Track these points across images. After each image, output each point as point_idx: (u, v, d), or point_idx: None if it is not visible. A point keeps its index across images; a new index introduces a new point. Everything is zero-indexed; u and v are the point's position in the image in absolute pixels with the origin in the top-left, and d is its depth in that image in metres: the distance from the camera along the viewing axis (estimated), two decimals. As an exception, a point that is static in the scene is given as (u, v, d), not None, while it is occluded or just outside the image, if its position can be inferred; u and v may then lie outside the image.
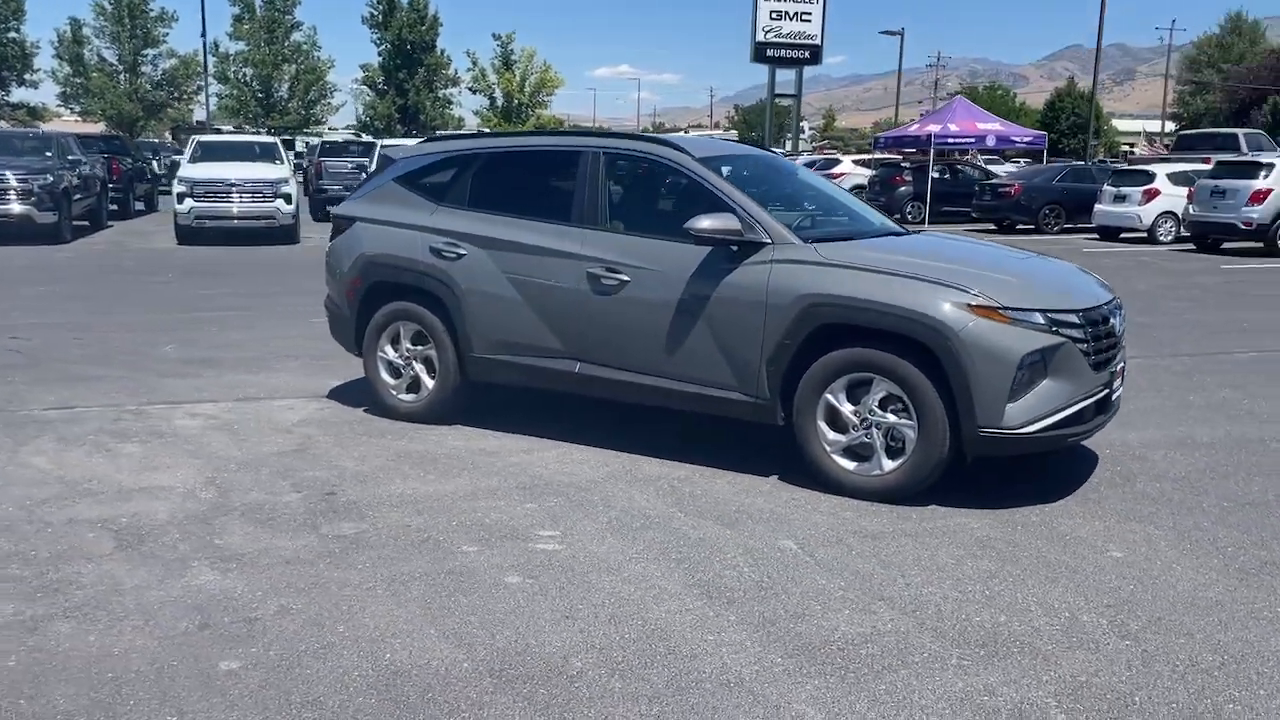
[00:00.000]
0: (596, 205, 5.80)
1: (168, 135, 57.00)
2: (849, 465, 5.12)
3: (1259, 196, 18.25)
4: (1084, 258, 17.05)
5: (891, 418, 4.97)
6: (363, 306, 6.56)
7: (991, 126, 27.82)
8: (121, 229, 21.88)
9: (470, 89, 56.59)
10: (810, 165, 24.71)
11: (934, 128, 27.39)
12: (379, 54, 55.40)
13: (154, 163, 30.36)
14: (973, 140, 27.62)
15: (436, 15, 55.00)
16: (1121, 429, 6.12)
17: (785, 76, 33.90)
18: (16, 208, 17.13)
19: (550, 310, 5.85)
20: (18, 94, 56.50)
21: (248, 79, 55.34)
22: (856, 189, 25.63)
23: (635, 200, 6.18)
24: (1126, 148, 74.97)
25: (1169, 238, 21.17)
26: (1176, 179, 21.24)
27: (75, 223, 19.10)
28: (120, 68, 55.66)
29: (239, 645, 3.54)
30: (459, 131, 48.05)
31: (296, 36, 56.15)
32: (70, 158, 19.49)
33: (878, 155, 34.16)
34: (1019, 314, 4.81)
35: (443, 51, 55.93)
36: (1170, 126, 69.88)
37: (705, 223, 5.26)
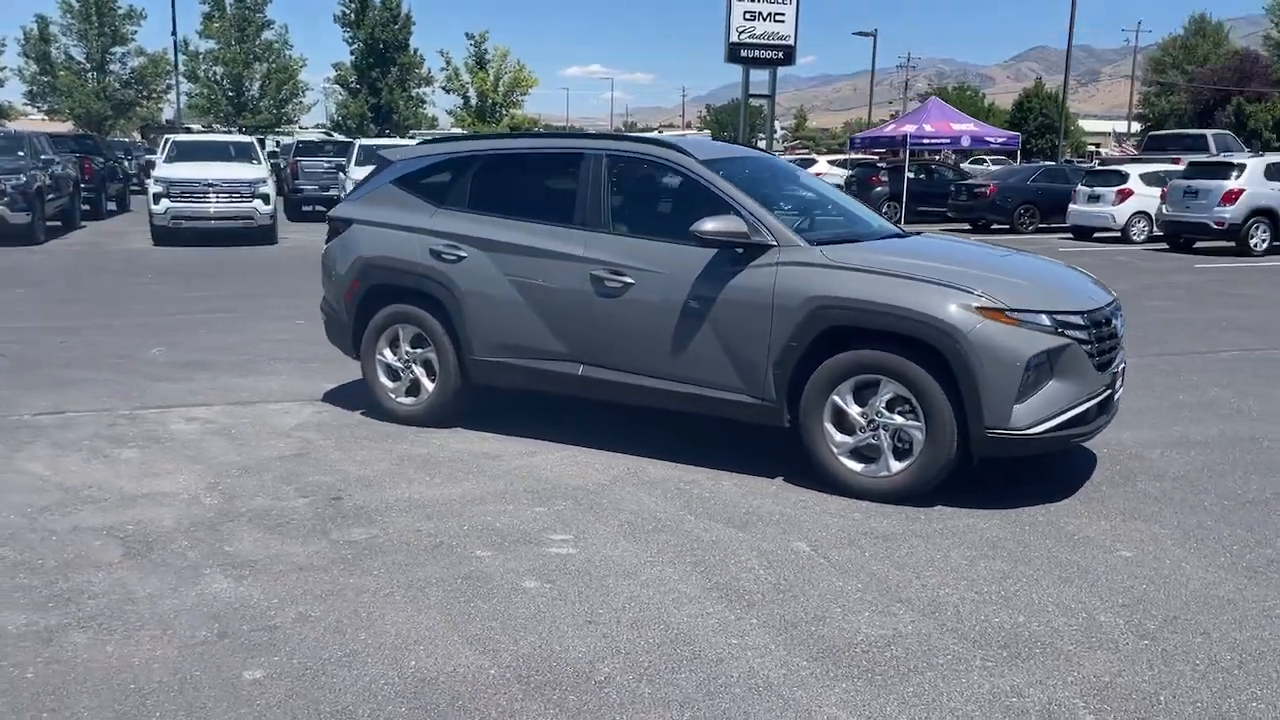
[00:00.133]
0: (599, 207, 5.79)
1: (136, 134, 56.26)
2: (856, 467, 5.14)
3: (1231, 196, 18.50)
4: (1060, 257, 17.18)
5: (899, 419, 5.00)
6: (360, 309, 6.51)
7: (966, 127, 28.03)
8: (95, 229, 21.60)
9: (444, 88, 56.31)
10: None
11: (909, 128, 27.56)
12: (351, 53, 54.93)
13: (126, 162, 30.00)
14: (948, 141, 27.81)
15: (409, 14, 54.65)
16: (1117, 428, 6.16)
17: (759, 77, 34.07)
18: (-11, 208, 16.88)
19: (553, 313, 5.83)
20: (-17, 92, 55.66)
21: (218, 77, 54.69)
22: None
23: (638, 202, 6.17)
24: (1093, 148, 75.78)
25: (1142, 237, 21.42)
26: (1149, 179, 21.50)
27: (48, 223, 18.85)
28: (88, 66, 54.88)
29: (261, 654, 3.50)
30: (435, 131, 47.85)
31: (268, 35, 55.49)
32: (43, 157, 19.22)
33: (854, 155, 34.33)
34: (1025, 316, 4.85)
35: (416, 51, 55.54)
36: (1136, 127, 70.68)
37: (710, 225, 5.27)
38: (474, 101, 55.63)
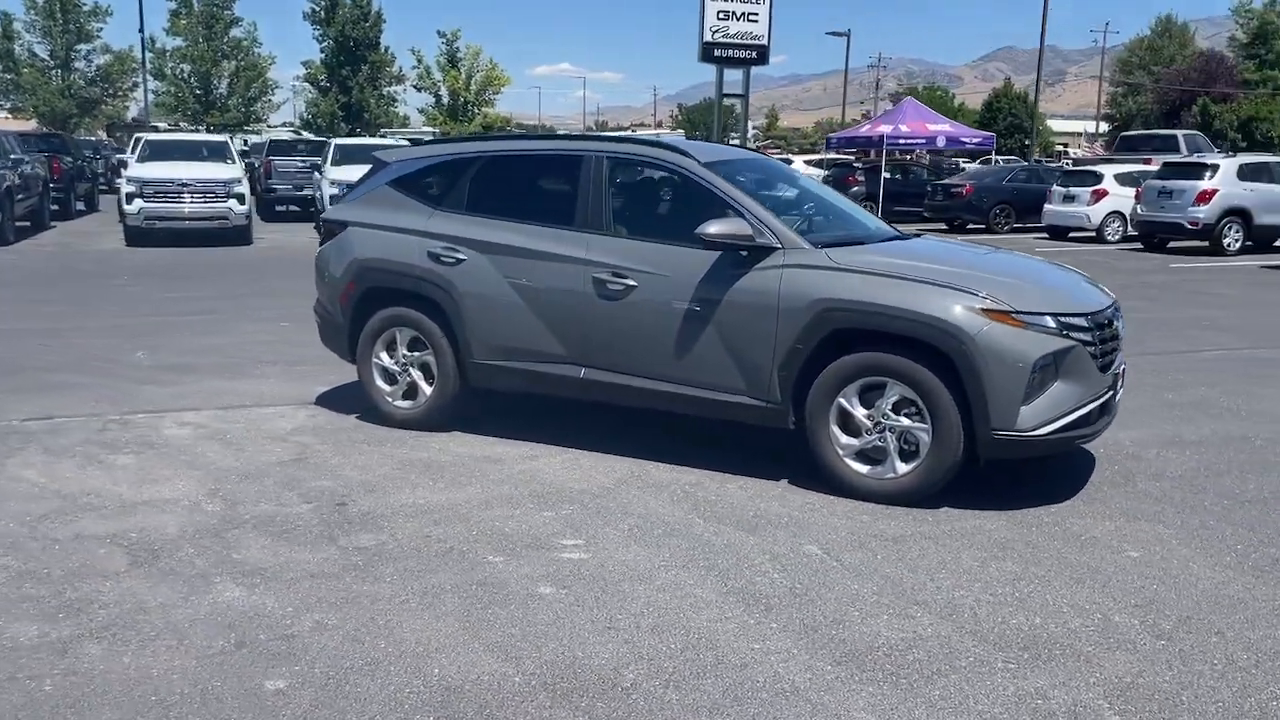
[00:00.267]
0: (601, 210, 5.77)
1: (102, 133, 55.52)
2: (862, 469, 5.15)
3: (1204, 197, 18.74)
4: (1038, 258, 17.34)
5: (905, 421, 5.02)
6: (356, 312, 6.45)
7: (941, 128, 28.23)
8: (64, 230, 21.34)
9: (415, 87, 56.00)
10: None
11: (885, 128, 27.71)
12: (321, 51, 54.51)
13: (95, 161, 29.62)
14: (923, 141, 28.00)
15: (380, 12, 54.28)
16: (1113, 428, 6.19)
17: (732, 76, 34.14)
18: (-42, 208, 16.62)
19: (554, 315, 5.81)
20: (-55, 90, 54.82)
21: (185, 75, 54.10)
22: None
23: (640, 205, 6.16)
24: (1061, 148, 76.53)
25: (1116, 237, 21.66)
26: (1124, 180, 21.75)
27: (16, 224, 18.57)
28: (53, 63, 54.14)
29: (281, 663, 3.46)
30: (408, 131, 47.55)
31: (236, 32, 54.95)
32: (12, 157, 18.94)
33: (829, 155, 34.49)
34: (1031, 318, 4.89)
35: (387, 49, 55.19)
36: (1104, 127, 71.43)
37: (715, 228, 5.26)
38: (446, 100, 55.37)
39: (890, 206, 26.12)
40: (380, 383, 6.44)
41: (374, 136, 40.42)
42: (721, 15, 33.89)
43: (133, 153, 22.70)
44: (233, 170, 19.13)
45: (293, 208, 25.33)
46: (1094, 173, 22.74)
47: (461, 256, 6.03)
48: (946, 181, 26.02)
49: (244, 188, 18.83)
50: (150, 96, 50.73)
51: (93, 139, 44.41)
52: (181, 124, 52.56)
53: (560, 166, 6.07)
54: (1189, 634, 3.77)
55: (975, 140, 29.06)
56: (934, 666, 3.50)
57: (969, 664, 3.52)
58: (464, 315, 6.02)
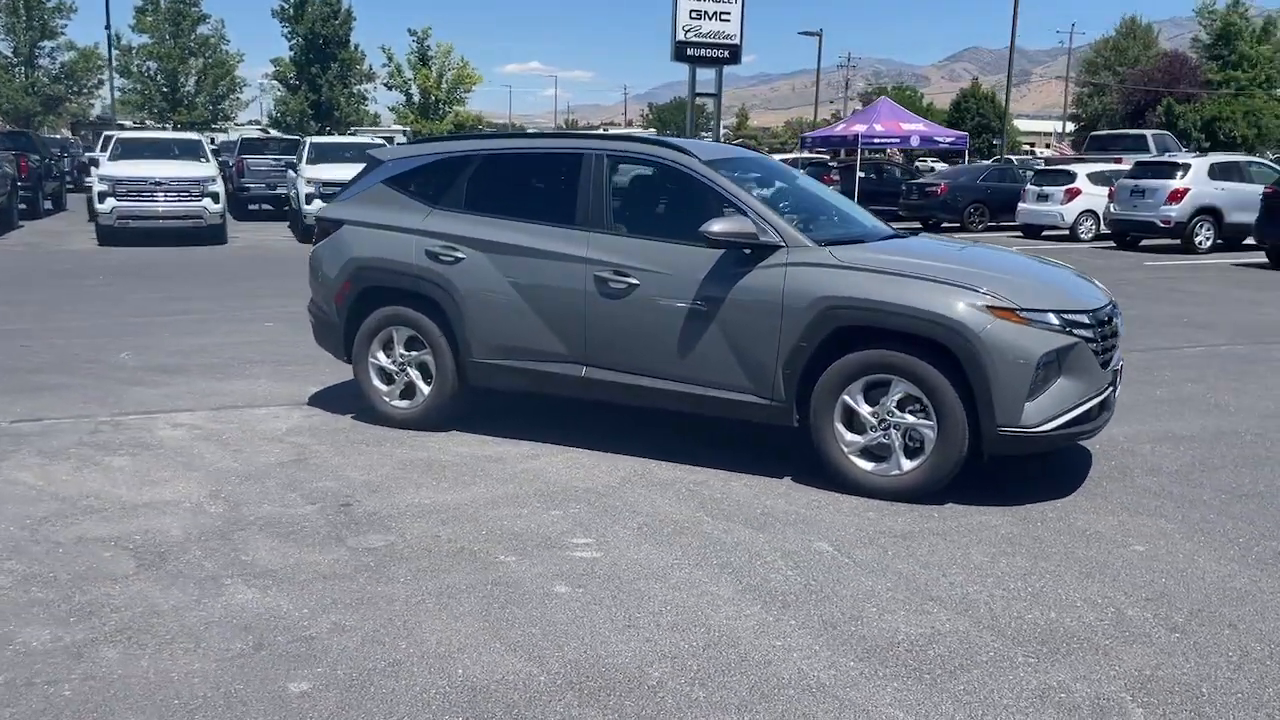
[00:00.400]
0: (602, 208, 5.76)
1: (66, 131, 54.81)
2: (867, 466, 5.18)
3: (1176, 196, 19.00)
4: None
5: (910, 418, 5.05)
6: (352, 312, 6.41)
7: (915, 127, 28.43)
8: (32, 229, 21.06)
9: (386, 85, 55.65)
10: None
11: (860, 128, 27.88)
12: (291, 48, 54.09)
13: (63, 160, 29.22)
14: (898, 140, 28.19)
15: (350, 9, 53.94)
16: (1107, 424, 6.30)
17: (704, 75, 34.19)
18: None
19: (555, 314, 5.79)
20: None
21: (152, 73, 53.54)
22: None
23: (641, 203, 6.15)
24: (1028, 147, 77.32)
25: (1089, 235, 21.91)
26: (1096, 179, 22.00)
27: (-14, 223, 18.32)
28: (16, 60, 53.41)
29: (303, 665, 3.43)
30: (378, 129, 47.24)
31: (203, 29, 54.57)
32: (-21, 155, 18.67)
33: (804, 154, 34.60)
34: (1035, 315, 4.93)
35: (357, 47, 54.86)
36: (1070, 127, 72.20)
37: (719, 226, 5.27)
38: (417, 99, 55.08)
39: (865, 205, 26.21)
40: (377, 382, 6.40)
41: (344, 135, 40.19)
42: (694, 15, 33.95)
43: (103, 150, 22.45)
44: (207, 169, 18.95)
45: (265, 206, 25.12)
46: (1067, 172, 23.00)
47: (460, 255, 6.00)
48: (922, 180, 26.23)
49: (219, 186, 18.66)
50: (116, 94, 50.13)
51: (58, 137, 43.83)
52: (147, 122, 51.99)
53: (561, 165, 6.05)
54: (1201, 626, 3.81)
55: (949, 140, 29.29)
56: (955, 661, 3.52)
57: (990, 659, 3.55)
58: (463, 314, 5.99)
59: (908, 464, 5.08)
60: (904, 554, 4.46)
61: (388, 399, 6.38)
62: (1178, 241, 19.37)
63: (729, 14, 34.08)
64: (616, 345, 5.67)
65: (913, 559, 4.41)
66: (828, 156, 32.29)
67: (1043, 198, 22.35)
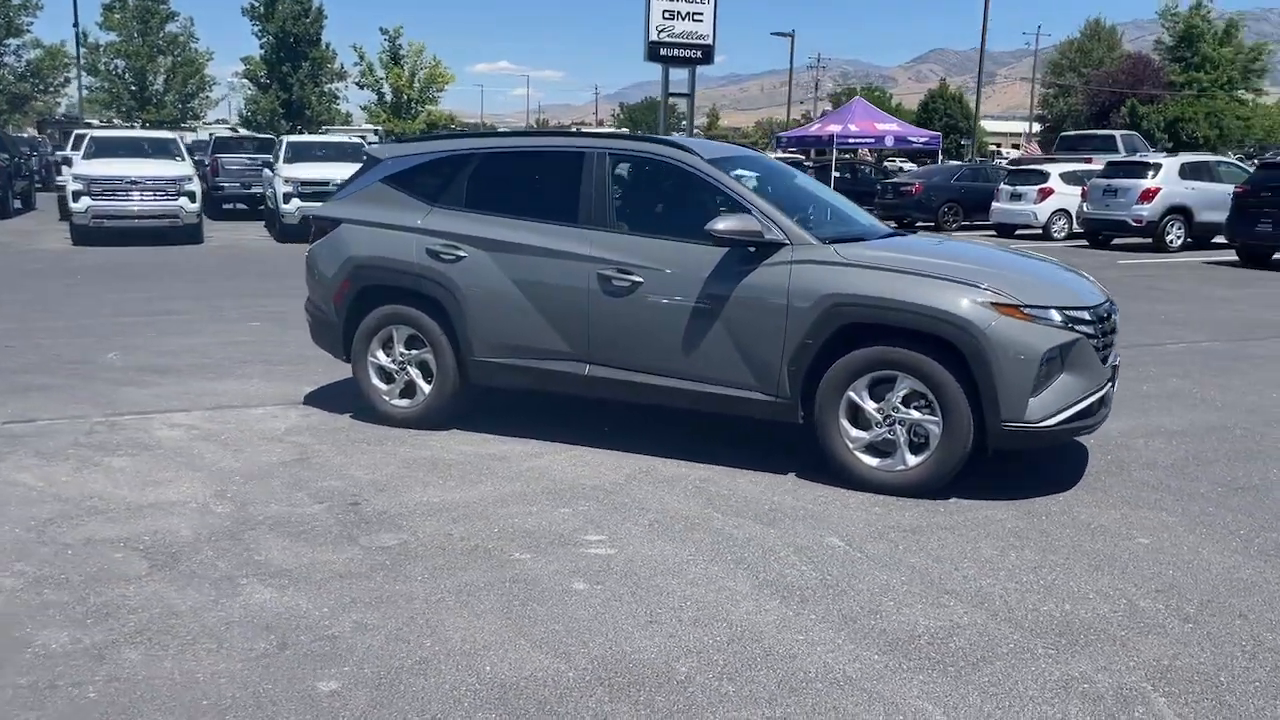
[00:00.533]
0: (605, 206, 5.77)
1: (32, 130, 54.04)
2: (872, 461, 5.22)
3: (1148, 195, 19.25)
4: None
5: (915, 414, 5.09)
6: (352, 311, 6.38)
7: (889, 127, 28.64)
8: (2, 229, 20.75)
9: (358, 84, 55.26)
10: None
11: (835, 128, 28.05)
12: (261, 47, 53.54)
13: (32, 159, 28.82)
14: (872, 140, 28.37)
15: (321, 8, 53.45)
16: (1101, 420, 6.39)
17: (677, 75, 34.27)
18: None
19: (558, 312, 5.79)
20: None
21: (120, 71, 52.90)
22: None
23: (644, 201, 6.17)
24: (994, 148, 78.03)
25: (1062, 234, 22.15)
26: (1069, 178, 22.26)
27: (-44, 223, 18.05)
28: (-21, 58, 52.65)
29: (329, 665, 3.42)
30: (349, 128, 46.90)
31: (172, 27, 53.95)
32: (-51, 154, 18.39)
33: (779, 154, 34.74)
34: (1038, 312, 4.99)
35: (328, 45, 54.41)
36: (1037, 127, 72.90)
37: (724, 224, 5.29)
38: (389, 98, 54.75)
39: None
40: (376, 381, 6.37)
41: (317, 134, 39.90)
42: (667, 15, 33.99)
43: (74, 149, 22.18)
44: (183, 167, 18.77)
45: (240, 206, 24.90)
46: (1040, 171, 23.26)
47: (461, 254, 5.99)
48: (897, 180, 26.41)
49: (195, 185, 18.50)
50: (83, 92, 49.49)
51: (25, 135, 43.23)
52: (115, 120, 51.38)
53: (562, 163, 6.04)
54: (1213, 617, 3.88)
55: (923, 140, 29.51)
56: (977, 654, 3.57)
57: (1010, 650, 3.59)
58: (464, 312, 5.98)
59: (913, 459, 5.13)
60: (914, 548, 4.51)
61: (387, 398, 6.35)
62: (1149, 240, 19.62)
63: (701, 14, 34.16)
64: (620, 343, 5.68)
65: (924, 553, 4.46)
66: (802, 157, 32.41)
67: (1016, 197, 22.58)
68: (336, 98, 56.57)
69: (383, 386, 6.37)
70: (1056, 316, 5.03)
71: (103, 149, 19.09)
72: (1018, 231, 23.10)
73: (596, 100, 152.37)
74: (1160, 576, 4.25)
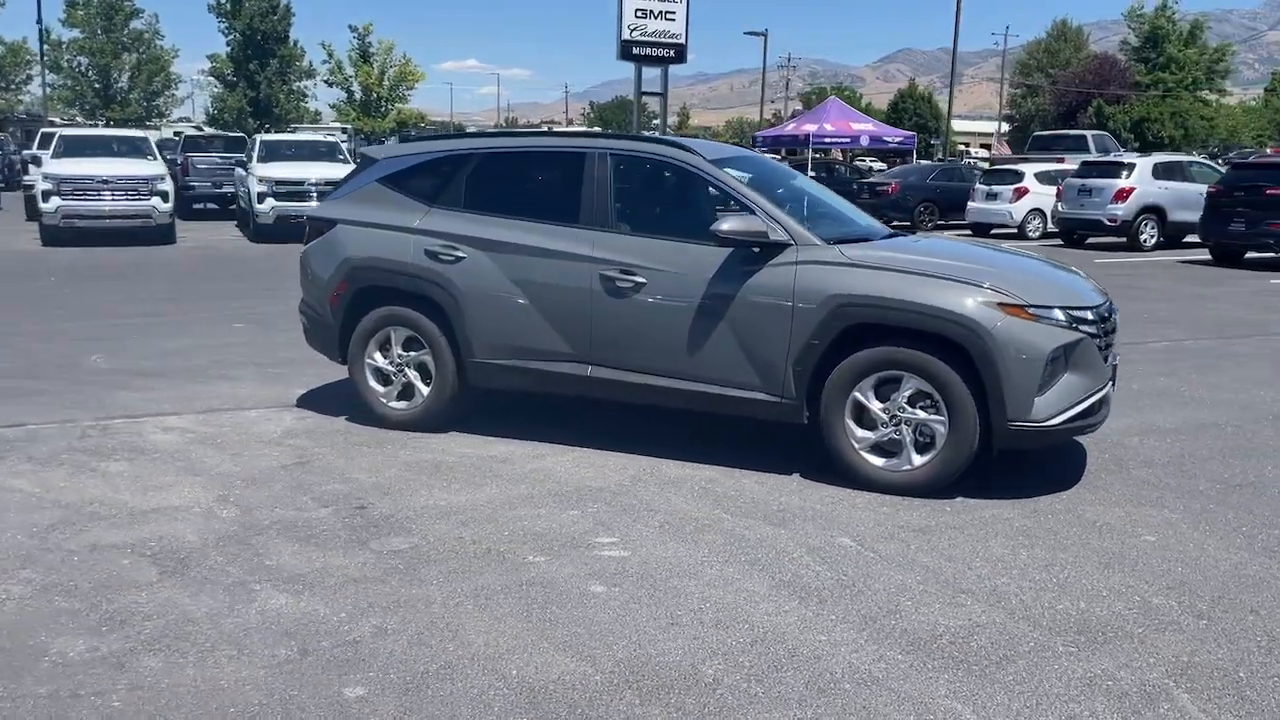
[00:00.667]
0: (606, 207, 5.75)
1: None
2: (878, 461, 5.24)
3: (1122, 195, 19.48)
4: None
5: (921, 414, 5.12)
6: (348, 313, 6.32)
7: (864, 127, 28.82)
8: (-30, 229, 20.39)
9: (327, 82, 54.78)
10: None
11: (810, 127, 28.19)
12: (228, 44, 52.96)
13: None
14: (848, 140, 28.53)
15: (289, 5, 52.97)
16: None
17: (648, 74, 34.28)
18: None
19: (560, 313, 5.77)
20: None
21: (83, 68, 52.19)
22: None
23: (647, 202, 6.16)
24: (963, 147, 78.66)
25: (1037, 233, 22.37)
26: (1043, 178, 22.48)
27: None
28: (-61, 55, 51.73)
29: (354, 670, 3.39)
30: (319, 126, 46.51)
31: (137, 24, 53.28)
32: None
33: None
34: (1043, 311, 5.03)
35: (296, 43, 53.89)
36: (1005, 127, 73.55)
37: (729, 224, 5.29)
38: (358, 96, 54.35)
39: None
40: (374, 384, 6.32)
41: (285, 132, 39.54)
42: (639, 14, 34.00)
43: (42, 148, 21.85)
44: (155, 167, 18.54)
45: (210, 205, 24.63)
46: (1015, 171, 23.47)
47: (461, 254, 5.95)
48: (873, 180, 26.55)
49: (167, 185, 18.28)
50: (46, 90, 48.77)
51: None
52: (78, 119, 50.70)
53: (563, 163, 6.03)
54: (1225, 613, 3.93)
55: (898, 139, 29.70)
56: (999, 652, 3.59)
57: (1031, 649, 3.62)
58: (464, 314, 5.94)
59: (919, 459, 5.16)
60: (926, 548, 4.53)
61: (385, 400, 6.30)
62: (1124, 239, 19.86)
63: (674, 13, 34.19)
64: (623, 344, 5.67)
65: (935, 552, 4.48)
66: (776, 156, 32.52)
67: (991, 197, 22.78)
68: (305, 96, 56.10)
69: (380, 389, 6.32)
70: (1060, 316, 5.07)
71: (73, 148, 18.83)
72: (993, 231, 23.28)
73: (566, 99, 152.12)
74: (1170, 574, 4.29)
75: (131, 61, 53.40)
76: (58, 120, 46.38)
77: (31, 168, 20.85)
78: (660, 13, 33.98)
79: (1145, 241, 19.76)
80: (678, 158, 5.78)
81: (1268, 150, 49.13)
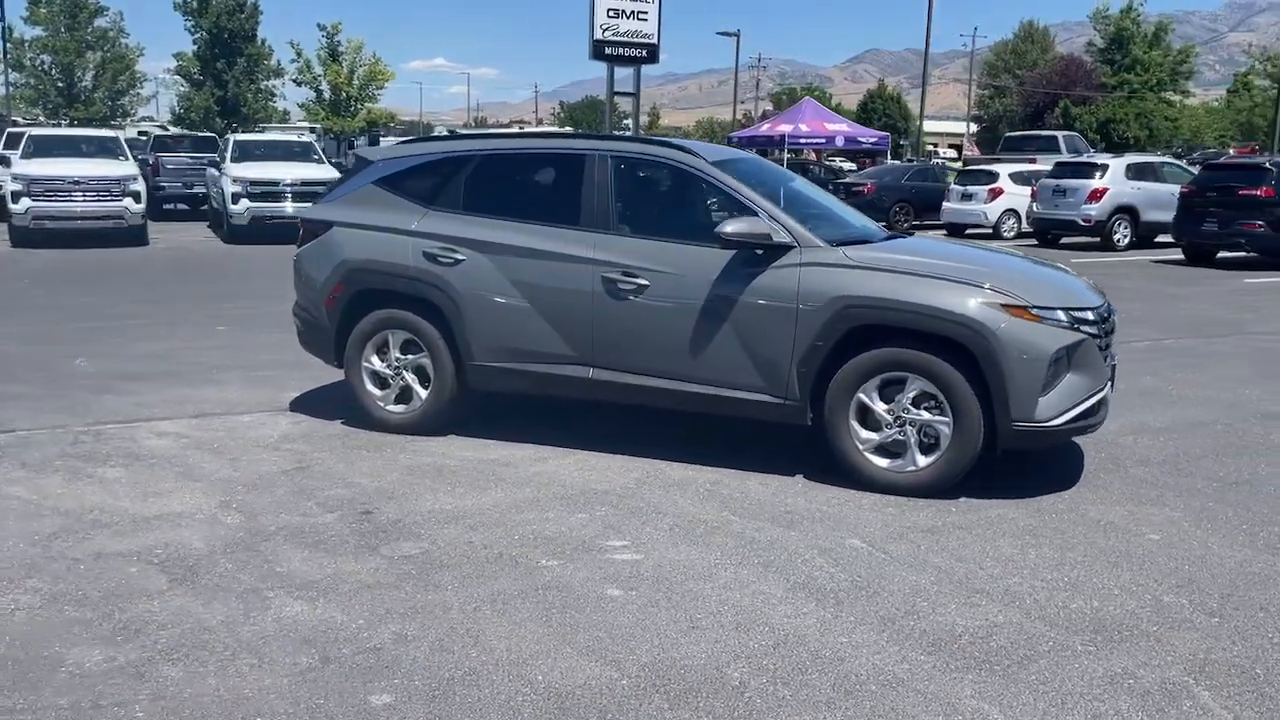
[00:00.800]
0: (608, 209, 5.74)
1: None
2: (882, 463, 5.26)
3: (1096, 195, 19.70)
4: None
5: (925, 415, 5.15)
6: (344, 316, 6.27)
7: (839, 127, 28.94)
8: (-64, 230, 20.02)
9: (295, 81, 54.22)
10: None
11: (785, 127, 28.26)
12: (194, 42, 52.30)
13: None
14: (823, 140, 28.63)
15: (256, 3, 52.40)
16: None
17: (620, 74, 34.27)
18: None
19: (561, 316, 5.75)
20: None
21: (46, 67, 51.42)
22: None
23: (648, 204, 6.15)
24: (932, 147, 79.28)
25: (1012, 233, 22.57)
26: (1018, 178, 22.69)
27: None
28: (-103, 52, 50.72)
29: (378, 677, 3.36)
30: (288, 125, 46.09)
31: (101, 22, 52.53)
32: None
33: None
34: (1046, 312, 5.08)
35: (264, 41, 53.32)
36: (973, 128, 74.22)
37: (733, 227, 5.30)
38: (327, 95, 53.86)
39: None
40: (371, 387, 6.27)
41: (254, 132, 39.12)
42: (611, 13, 33.94)
43: (10, 148, 21.49)
44: (127, 167, 18.32)
45: (181, 206, 24.37)
46: (990, 171, 23.68)
47: (460, 257, 5.92)
48: (848, 180, 26.68)
49: (140, 185, 18.07)
50: (9, 89, 48.01)
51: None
52: (41, 118, 49.95)
53: (563, 165, 6.01)
54: (1236, 611, 3.97)
55: (873, 140, 29.86)
56: (1019, 652, 3.61)
57: (1051, 648, 3.65)
58: (463, 316, 5.91)
59: (923, 460, 5.18)
60: (936, 548, 4.56)
61: (382, 404, 6.26)
62: (1097, 239, 20.08)
63: (646, 13, 34.22)
64: (625, 346, 5.66)
65: (946, 553, 4.50)
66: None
67: (966, 197, 22.97)
68: (273, 95, 55.52)
69: (377, 392, 6.27)
70: (1062, 317, 5.12)
71: (42, 148, 18.56)
72: (968, 231, 23.47)
73: (536, 98, 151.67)
74: (1178, 572, 4.34)
75: (96, 60, 52.67)
76: (20, 120, 45.65)
77: (1, 168, 20.50)
78: (632, 12, 34.04)
79: (1119, 241, 19.99)
80: (679, 160, 5.77)
81: (1230, 150, 49.89)
